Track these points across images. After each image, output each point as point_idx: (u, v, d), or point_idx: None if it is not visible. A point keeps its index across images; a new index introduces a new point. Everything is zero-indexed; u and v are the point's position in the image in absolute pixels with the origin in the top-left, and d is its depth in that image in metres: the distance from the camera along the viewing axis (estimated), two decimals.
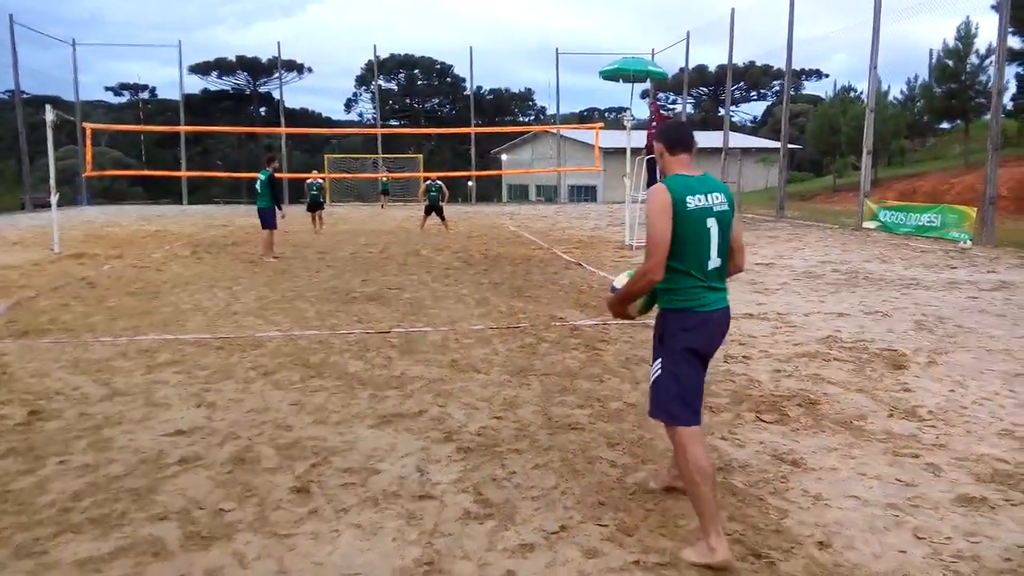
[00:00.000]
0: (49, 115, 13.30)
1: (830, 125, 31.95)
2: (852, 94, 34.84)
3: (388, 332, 7.01)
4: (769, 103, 66.24)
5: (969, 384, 5.25)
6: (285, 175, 31.12)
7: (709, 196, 3.01)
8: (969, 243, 14.33)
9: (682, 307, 3.05)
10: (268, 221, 12.75)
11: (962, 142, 30.32)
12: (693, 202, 2.96)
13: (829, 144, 32.89)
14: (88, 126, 16.00)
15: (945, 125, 34.72)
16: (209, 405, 4.85)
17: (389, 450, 4.07)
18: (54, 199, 13.99)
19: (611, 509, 3.34)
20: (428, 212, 18.21)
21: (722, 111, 41.92)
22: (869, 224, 17.86)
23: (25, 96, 29.69)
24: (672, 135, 3.16)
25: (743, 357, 6.02)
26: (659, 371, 3.09)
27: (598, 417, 4.58)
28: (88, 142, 15.67)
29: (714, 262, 3.04)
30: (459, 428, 4.39)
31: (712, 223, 2.99)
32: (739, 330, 6.97)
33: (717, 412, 4.66)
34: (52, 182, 13.92)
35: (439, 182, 18.39)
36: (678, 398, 3.03)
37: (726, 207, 3.06)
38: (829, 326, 7.21)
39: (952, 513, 3.30)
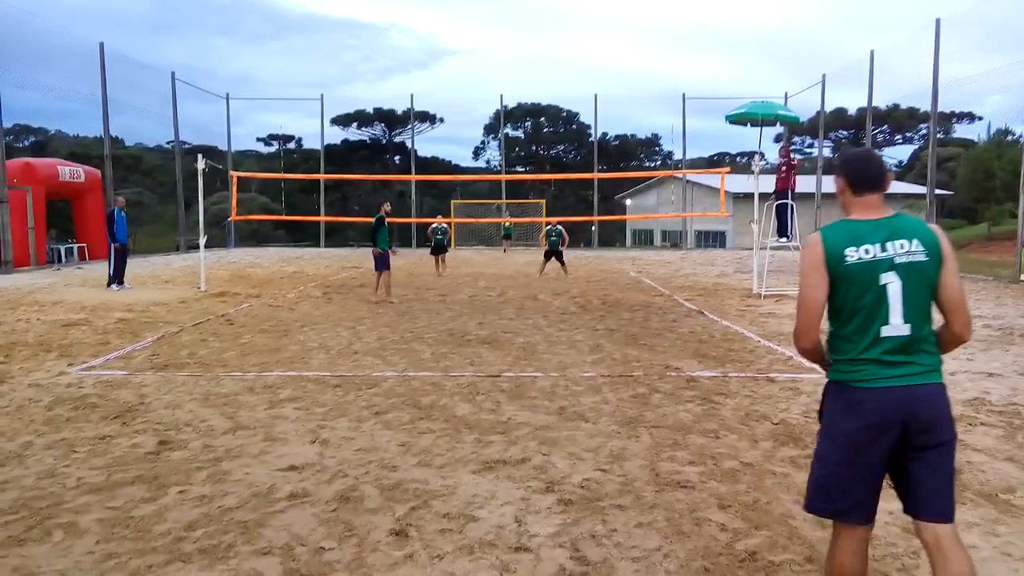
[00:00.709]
0: (200, 163, 14.48)
1: (984, 170, 29.79)
2: (1009, 137, 32.37)
3: (499, 376, 7.00)
4: (916, 147, 62.69)
5: None
6: (412, 219, 32.36)
7: (890, 244, 2.42)
8: None
9: (839, 379, 2.51)
10: (377, 264, 13.10)
11: None
12: (855, 255, 2.42)
13: (983, 190, 30.61)
14: (235, 174, 17.28)
15: None
16: (322, 442, 4.98)
17: (489, 497, 4.01)
18: (202, 242, 15.13)
19: None
20: (548, 257, 18.29)
21: None
22: None
23: (185, 146, 32.55)
24: (857, 170, 2.55)
25: None
26: (817, 448, 2.61)
27: (710, 476, 4.33)
28: (234, 189, 16.89)
29: (895, 329, 2.40)
30: (562, 479, 4.27)
31: (891, 279, 2.40)
32: None
33: None
34: (201, 225, 15.07)
35: (559, 227, 18.47)
36: (817, 484, 2.56)
37: (921, 257, 2.41)
38: (977, 387, 6.57)
39: None
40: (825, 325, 2.56)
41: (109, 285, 14.72)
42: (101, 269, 17.38)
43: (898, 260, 2.41)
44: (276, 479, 4.29)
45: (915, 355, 2.43)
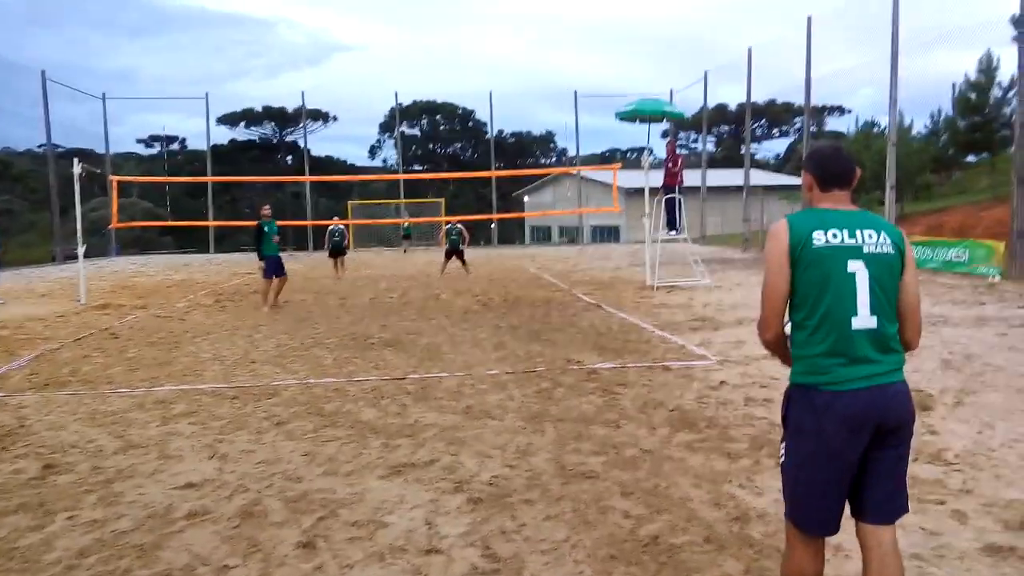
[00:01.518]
0: (76, 168, 13.65)
1: (855, 159, 31.78)
2: (875, 129, 34.70)
3: (404, 379, 6.97)
4: (792, 140, 66.27)
5: (998, 425, 5.08)
6: (308, 222, 31.61)
7: (859, 232, 2.33)
8: (998, 278, 14.04)
9: (804, 382, 2.37)
10: (266, 271, 12.55)
11: (989, 175, 29.99)
12: (823, 238, 2.31)
13: None
14: (115, 179, 16.39)
15: (971, 158, 34.35)
16: (221, 457, 4.82)
17: (398, 502, 4.00)
18: (81, 251, 14.27)
19: (623, 563, 3.24)
20: (448, 256, 18.29)
21: (743, 148, 41.99)
22: None
23: (58, 150, 30.56)
24: (824, 165, 2.46)
25: (764, 400, 5.88)
26: (782, 454, 2.49)
27: (613, 465, 4.48)
28: (115, 194, 16.02)
29: (863, 321, 2.30)
30: (470, 478, 4.31)
31: (858, 267, 2.30)
32: (760, 371, 6.84)
33: (736, 458, 4.54)
34: (79, 234, 14.21)
35: (459, 226, 18.49)
36: (790, 494, 2.46)
37: (890, 250, 2.34)
38: None
39: (979, 564, 3.16)
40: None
41: None
42: None
43: (867, 249, 2.32)
44: (173, 498, 4.13)
45: (883, 352, 2.33)
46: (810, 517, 2.41)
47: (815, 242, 2.32)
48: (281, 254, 12.87)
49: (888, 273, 2.34)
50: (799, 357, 2.40)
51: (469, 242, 19.45)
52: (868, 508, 2.39)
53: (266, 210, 12.85)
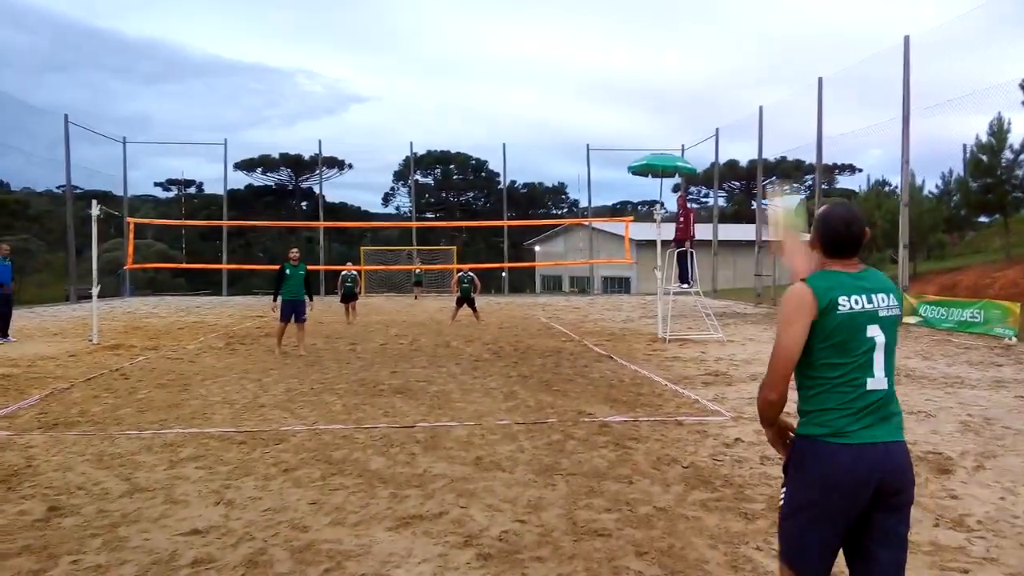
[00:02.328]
0: (94, 210, 13.84)
1: (865, 219, 31.83)
2: (887, 188, 34.84)
3: (413, 427, 6.90)
4: (803, 197, 66.55)
5: (1020, 491, 4.95)
6: (321, 267, 31.80)
7: (875, 296, 2.41)
8: (1014, 340, 13.89)
9: (814, 433, 2.39)
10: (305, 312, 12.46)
11: (1001, 236, 29.94)
12: (847, 303, 2.37)
13: None
14: (132, 221, 16.58)
15: (983, 219, 34.38)
16: (227, 503, 4.76)
17: (405, 555, 3.91)
18: (95, 291, 14.38)
19: None
20: (460, 304, 18.30)
21: (754, 204, 42.15)
22: (910, 319, 17.48)
23: (77, 191, 31.05)
24: (842, 232, 2.46)
25: (780, 459, 5.75)
26: (782, 501, 2.51)
27: (626, 522, 4.38)
28: (131, 236, 16.22)
29: (877, 382, 2.37)
30: (480, 532, 4.23)
31: (876, 332, 2.38)
32: None
33: (752, 519, 4.44)
34: (95, 274, 14.34)
35: (471, 274, 18.53)
36: (786, 540, 2.50)
37: (897, 312, 2.46)
38: None
39: None
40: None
41: None
42: None
43: (882, 313, 2.41)
44: (178, 544, 4.06)
45: (889, 412, 2.40)
46: (805, 565, 2.43)
47: (840, 308, 2.37)
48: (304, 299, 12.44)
49: (895, 334, 2.44)
50: (809, 411, 2.42)
51: (480, 290, 19.46)
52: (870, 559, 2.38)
53: (294, 253, 12.61)
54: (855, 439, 2.32)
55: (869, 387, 2.36)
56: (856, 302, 2.38)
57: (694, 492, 4.96)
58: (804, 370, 2.44)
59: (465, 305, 18.15)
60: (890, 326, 2.41)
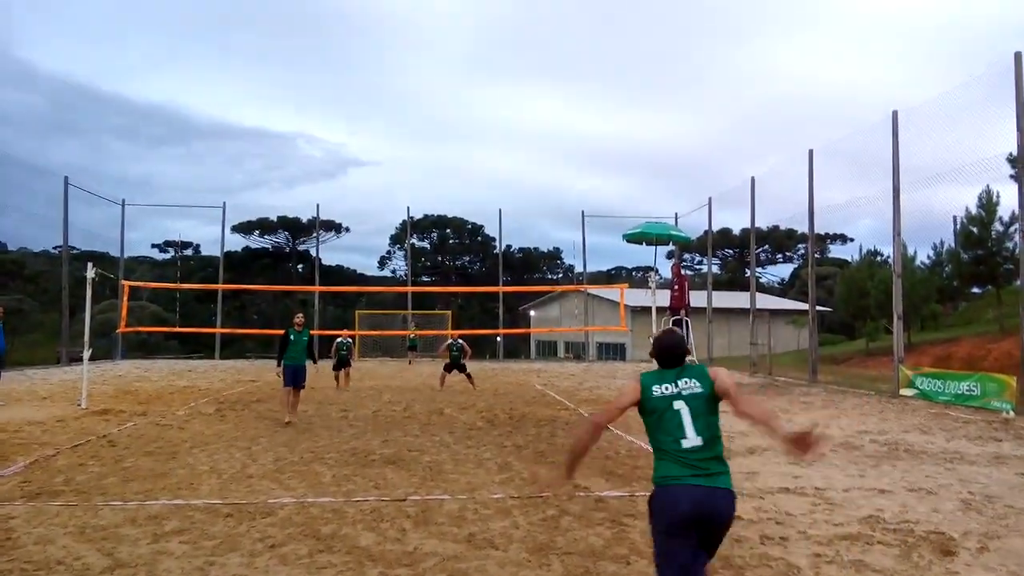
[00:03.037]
0: (90, 272, 13.82)
1: (858, 289, 31.99)
2: (878, 258, 35.15)
3: (404, 500, 6.75)
4: (796, 266, 67.15)
5: None
6: (316, 331, 31.66)
7: (680, 382, 3.53)
8: (1012, 413, 13.80)
9: (659, 483, 3.39)
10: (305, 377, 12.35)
11: (994, 307, 30.09)
12: (659, 390, 3.52)
13: (858, 307, 32.77)
14: (127, 284, 16.63)
15: (976, 290, 34.61)
16: None
17: None
18: (86, 354, 14.25)
19: None
20: (448, 370, 18.18)
21: (748, 272, 42.47)
22: (906, 391, 17.39)
23: (73, 252, 31.10)
24: (664, 355, 3.68)
25: (780, 538, 5.64)
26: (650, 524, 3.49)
27: None
28: (125, 299, 16.21)
29: (691, 440, 3.38)
30: None
31: (680, 405, 3.45)
32: (775, 507, 6.61)
33: None
34: (87, 337, 14.25)
35: (460, 341, 18.48)
36: (655, 556, 3.39)
37: (698, 389, 3.49)
38: (871, 504, 6.80)
39: None
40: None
41: None
42: None
43: (684, 392, 3.48)
44: None
45: (708, 463, 3.35)
46: (666, 565, 3.29)
47: (653, 392, 3.53)
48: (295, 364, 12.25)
49: (699, 404, 3.45)
50: (656, 468, 3.46)
51: (471, 356, 19.38)
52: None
53: (299, 318, 12.52)
54: (683, 482, 3.31)
55: (685, 445, 3.37)
56: (666, 388, 3.51)
57: None
58: (650, 439, 3.53)
59: (457, 371, 18.04)
60: (693, 399, 3.46)
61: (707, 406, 3.45)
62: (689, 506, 3.22)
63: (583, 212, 37.15)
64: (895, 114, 18.64)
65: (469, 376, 18.03)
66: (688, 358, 12.73)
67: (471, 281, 63.82)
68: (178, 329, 35.27)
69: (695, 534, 3.24)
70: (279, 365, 12.21)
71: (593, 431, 3.70)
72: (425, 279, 64.99)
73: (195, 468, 8.15)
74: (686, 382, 3.50)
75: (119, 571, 4.77)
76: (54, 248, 35.37)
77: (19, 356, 29.60)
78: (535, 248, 71.16)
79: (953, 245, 30.11)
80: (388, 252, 67.74)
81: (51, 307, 36.04)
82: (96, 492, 6.94)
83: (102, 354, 31.24)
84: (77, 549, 5.21)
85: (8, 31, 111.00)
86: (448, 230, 67.92)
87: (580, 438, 3.75)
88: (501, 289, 37.99)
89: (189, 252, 62.06)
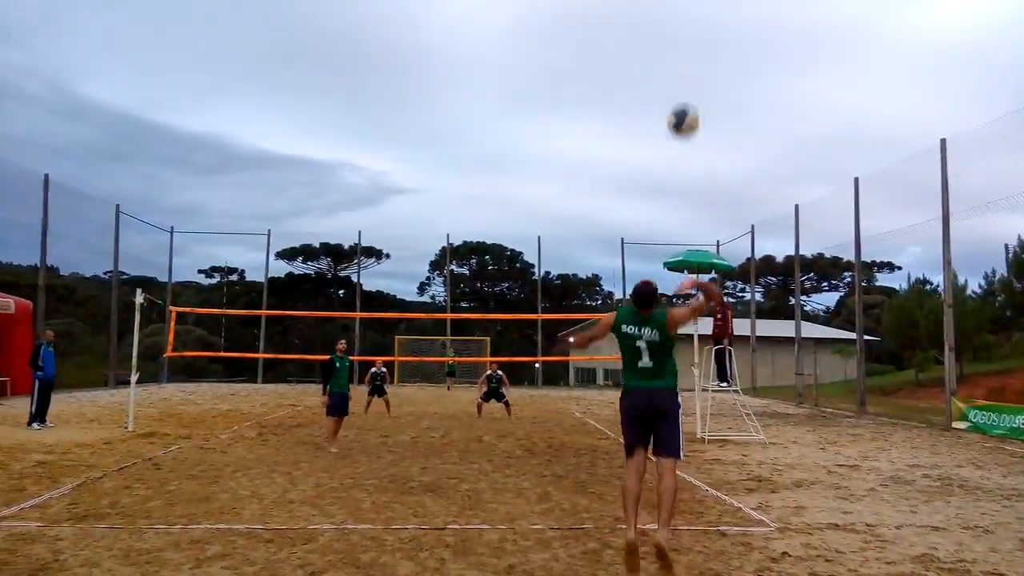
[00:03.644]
0: (139, 298, 14.15)
1: (907, 318, 31.21)
2: (928, 287, 34.30)
3: (443, 529, 6.70)
4: (841, 294, 65.91)
5: None
6: (356, 357, 31.91)
7: (643, 330, 5.36)
8: None
9: (625, 385, 5.54)
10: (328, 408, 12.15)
11: None
12: (627, 328, 5.42)
13: (907, 337, 31.97)
14: (174, 309, 16.96)
15: None
16: None
17: None
18: (134, 377, 14.55)
19: None
20: (487, 399, 18.12)
21: (792, 300, 41.72)
22: (959, 424, 16.83)
23: (123, 277, 31.96)
24: (636, 297, 5.54)
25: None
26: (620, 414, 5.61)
27: None
28: (172, 324, 16.53)
29: (645, 363, 5.40)
30: None
31: (642, 344, 5.37)
32: (824, 543, 6.40)
33: None
34: (135, 360, 14.56)
35: (500, 372, 18.39)
36: (625, 437, 5.52)
37: (656, 338, 5.35)
38: (924, 542, 6.55)
39: None
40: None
41: (30, 424, 13.90)
42: (21, 405, 16.43)
43: (645, 336, 5.34)
44: None
45: (655, 374, 5.38)
46: (628, 441, 5.44)
47: (622, 329, 5.42)
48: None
49: (655, 345, 5.33)
50: (624, 377, 5.53)
51: (512, 382, 19.30)
52: (655, 446, 5.36)
53: (342, 345, 12.59)
54: (635, 386, 5.40)
55: (639, 366, 5.39)
56: (632, 329, 5.38)
57: None
58: (621, 358, 5.45)
59: (493, 400, 17.97)
60: (650, 343, 5.34)
61: (660, 347, 5.33)
62: (641, 399, 5.36)
63: (622, 239, 37.07)
64: (943, 142, 18.28)
65: (507, 404, 17.96)
66: (731, 387, 12.70)
67: (510, 307, 63.88)
68: (222, 353, 35.86)
69: (645, 416, 5.33)
70: (324, 393, 12.22)
71: (579, 344, 6.27)
72: (464, 305, 65.22)
73: (237, 492, 8.21)
74: (649, 331, 5.31)
75: None
76: (104, 273, 36.36)
77: (68, 378, 30.30)
78: (574, 274, 71.06)
79: (1006, 274, 29.29)
80: (428, 278, 68.31)
81: (100, 331, 37.00)
82: (141, 515, 7.02)
83: (148, 377, 31.92)
84: (121, 572, 5.26)
85: (69, 68, 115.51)
86: (487, 256, 68.24)
87: (582, 336, 6.31)
88: (540, 316, 37.90)
89: (234, 278, 63.41)
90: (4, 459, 10.17)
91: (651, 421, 5.21)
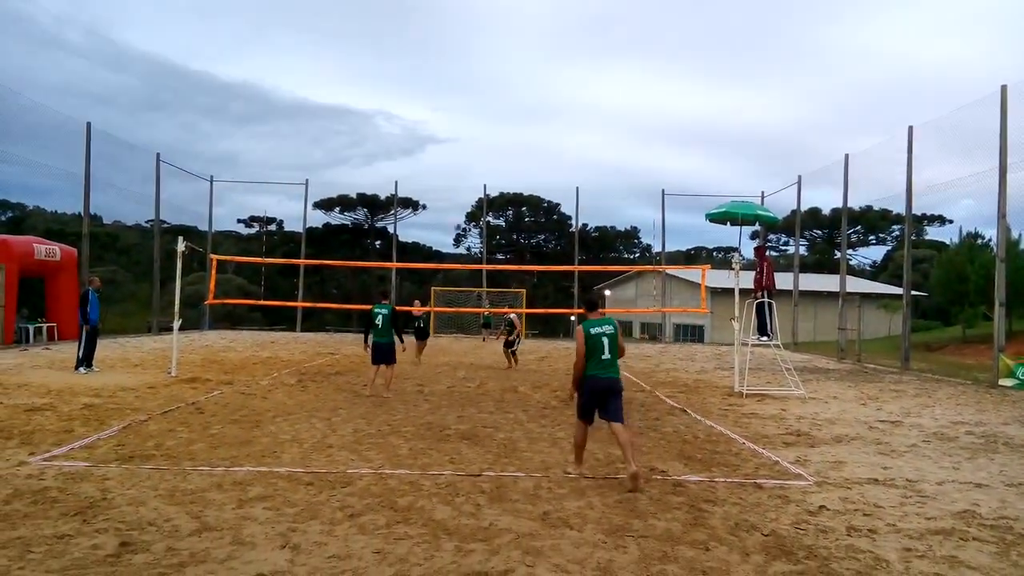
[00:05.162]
0: (180, 246, 14.34)
1: (957, 273, 30.39)
2: (979, 241, 33.27)
3: (479, 475, 6.76)
4: (889, 248, 64.34)
5: None
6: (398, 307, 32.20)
7: (604, 327, 6.76)
8: None
9: (588, 375, 6.73)
10: (393, 355, 12.41)
11: None
12: (596, 330, 6.72)
13: (956, 293, 31.19)
14: (215, 257, 17.11)
15: None
16: (293, 547, 4.70)
17: None
18: (176, 324, 14.84)
19: None
20: (508, 346, 18.47)
21: (838, 254, 40.84)
22: (1006, 381, 16.43)
23: (164, 225, 32.45)
24: (591, 304, 7.14)
25: (868, 531, 5.38)
26: (576, 397, 6.99)
27: None
28: (213, 272, 16.73)
29: (606, 355, 6.70)
30: None
31: (604, 339, 6.70)
32: (863, 497, 6.32)
33: None
34: (177, 307, 14.83)
35: (511, 315, 19.07)
36: (578, 409, 6.91)
37: (611, 331, 6.77)
38: (966, 498, 6.43)
39: None
40: None
41: (77, 368, 14.31)
42: (69, 350, 16.92)
43: (606, 332, 6.73)
44: None
45: (611, 366, 6.74)
46: (584, 417, 6.87)
47: (592, 331, 6.71)
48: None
49: (614, 339, 6.76)
50: (587, 368, 6.72)
51: (548, 334, 19.51)
52: (606, 416, 6.72)
53: (382, 292, 13.03)
54: (598, 374, 6.70)
55: (602, 358, 6.69)
56: (597, 329, 6.73)
57: (775, 563, 4.65)
58: (586, 353, 6.70)
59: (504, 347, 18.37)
60: (609, 336, 6.73)
61: (614, 341, 6.74)
62: (600, 386, 6.68)
63: (663, 191, 36.34)
64: (1004, 88, 17.45)
65: (513, 355, 18.20)
66: (771, 342, 12.53)
67: (546, 258, 63.71)
68: (262, 302, 36.43)
69: (602, 395, 6.69)
70: (365, 343, 12.75)
71: (577, 379, 6.87)
72: (500, 257, 65.19)
73: (278, 437, 8.38)
74: (607, 328, 6.76)
75: (206, 534, 4.92)
76: (146, 222, 36.87)
77: (113, 325, 31.20)
78: (612, 227, 70.49)
79: None
80: (463, 229, 68.32)
81: (143, 278, 37.79)
82: (185, 457, 7.21)
83: (190, 324, 32.64)
84: (167, 511, 5.41)
85: (108, 14, 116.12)
86: (524, 208, 67.88)
87: (577, 368, 6.82)
88: (577, 268, 37.69)
89: (273, 227, 64.11)
90: (53, 402, 10.51)
91: (605, 398, 6.67)
